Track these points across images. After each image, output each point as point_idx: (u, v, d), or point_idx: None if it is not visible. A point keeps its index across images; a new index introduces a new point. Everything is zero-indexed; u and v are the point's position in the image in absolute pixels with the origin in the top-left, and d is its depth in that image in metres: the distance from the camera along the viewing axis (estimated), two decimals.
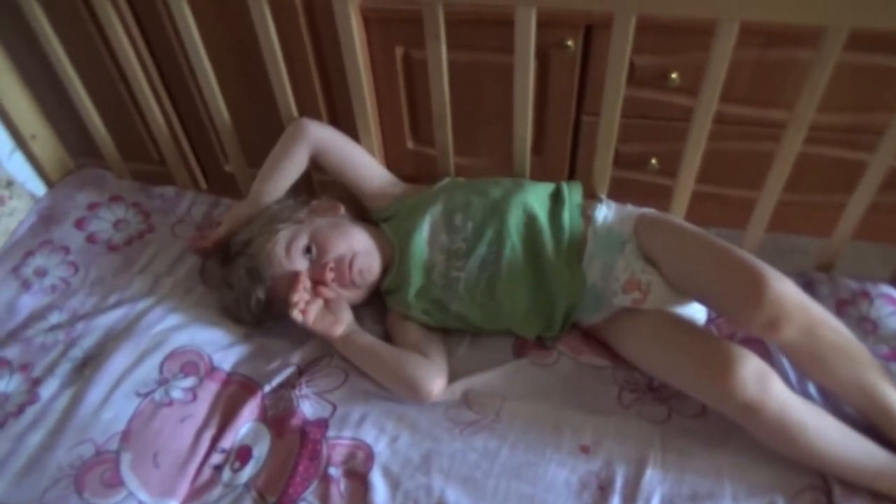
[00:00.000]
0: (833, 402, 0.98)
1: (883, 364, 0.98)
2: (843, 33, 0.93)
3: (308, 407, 1.03)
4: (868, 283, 1.12)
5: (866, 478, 0.89)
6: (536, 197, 1.12)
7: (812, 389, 1.01)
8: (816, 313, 0.93)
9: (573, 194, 1.14)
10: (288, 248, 1.09)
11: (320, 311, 1.08)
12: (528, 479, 0.94)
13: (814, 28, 0.94)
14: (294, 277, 1.08)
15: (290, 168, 1.21)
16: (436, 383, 1.03)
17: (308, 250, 1.10)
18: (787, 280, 0.90)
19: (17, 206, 1.32)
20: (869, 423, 0.94)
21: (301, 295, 1.06)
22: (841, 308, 1.11)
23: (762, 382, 0.89)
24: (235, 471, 0.98)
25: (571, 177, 1.18)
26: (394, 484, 0.95)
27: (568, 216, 1.10)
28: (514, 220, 1.09)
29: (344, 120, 1.50)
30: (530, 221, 1.09)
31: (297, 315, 1.06)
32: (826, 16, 0.92)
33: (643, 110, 1.43)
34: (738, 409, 0.90)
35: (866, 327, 1.08)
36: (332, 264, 1.09)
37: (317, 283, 1.10)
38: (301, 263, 1.09)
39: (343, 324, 1.09)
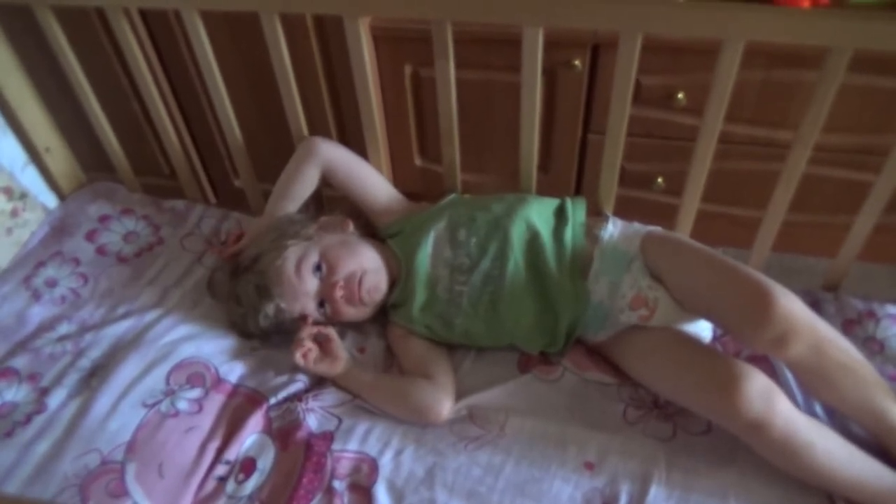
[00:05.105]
0: (840, 421, 0.98)
1: (890, 384, 0.97)
2: (847, 54, 0.94)
3: (313, 420, 1.03)
4: (875, 304, 1.12)
5: (873, 498, 0.88)
6: (540, 213, 1.13)
7: (818, 409, 1.00)
8: (824, 331, 0.93)
9: (577, 211, 1.15)
10: (298, 267, 1.09)
11: (319, 355, 1.09)
12: (532, 494, 0.94)
13: (819, 49, 0.94)
14: (302, 320, 1.10)
15: (301, 186, 1.24)
16: (444, 406, 1.03)
17: (318, 268, 1.11)
18: (795, 297, 0.91)
19: (29, 218, 1.34)
20: (876, 442, 0.94)
21: (305, 345, 1.08)
22: (847, 328, 1.10)
23: (768, 400, 0.88)
24: (239, 483, 0.98)
25: (577, 195, 1.19)
26: (397, 498, 0.95)
27: (571, 233, 1.11)
28: (518, 236, 1.10)
29: (353, 137, 1.51)
30: (533, 237, 1.10)
31: (298, 359, 1.08)
32: (829, 37, 0.93)
33: (649, 129, 1.44)
34: (743, 427, 0.89)
35: (873, 347, 1.07)
36: (341, 283, 1.09)
37: (325, 300, 1.11)
38: (311, 282, 1.10)
39: (342, 360, 1.09)
